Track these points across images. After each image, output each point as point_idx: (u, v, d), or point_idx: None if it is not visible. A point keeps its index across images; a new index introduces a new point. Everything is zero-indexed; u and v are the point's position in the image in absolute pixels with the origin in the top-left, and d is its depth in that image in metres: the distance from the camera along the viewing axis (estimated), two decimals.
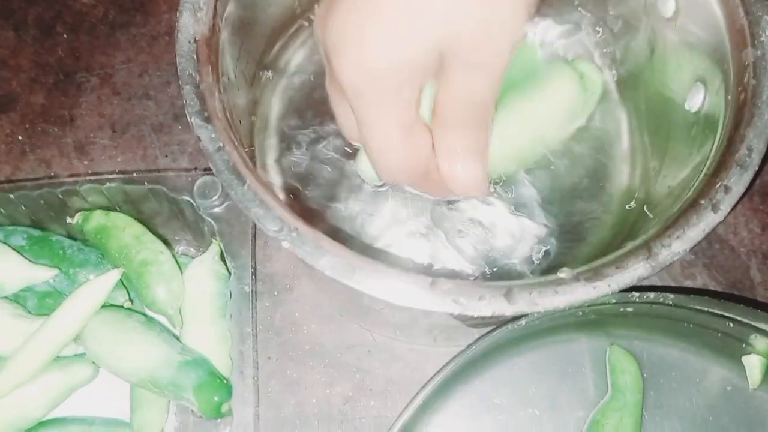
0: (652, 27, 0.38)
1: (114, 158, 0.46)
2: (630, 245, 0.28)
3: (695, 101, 0.34)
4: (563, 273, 0.27)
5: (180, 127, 0.47)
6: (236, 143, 0.30)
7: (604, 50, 0.42)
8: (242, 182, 0.29)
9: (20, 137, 0.47)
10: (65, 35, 0.50)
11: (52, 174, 0.46)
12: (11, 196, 0.38)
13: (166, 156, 0.46)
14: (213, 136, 0.29)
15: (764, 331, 0.34)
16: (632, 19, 0.39)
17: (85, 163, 0.46)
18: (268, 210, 0.28)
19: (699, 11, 0.34)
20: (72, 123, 0.47)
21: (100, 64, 0.49)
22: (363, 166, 0.34)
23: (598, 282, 0.27)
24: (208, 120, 0.30)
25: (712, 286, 0.42)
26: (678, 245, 0.27)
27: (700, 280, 0.42)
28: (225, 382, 0.35)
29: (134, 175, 0.38)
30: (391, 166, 0.30)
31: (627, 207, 0.39)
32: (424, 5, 0.27)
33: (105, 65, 0.49)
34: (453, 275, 0.38)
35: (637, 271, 0.27)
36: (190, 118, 0.29)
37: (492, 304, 0.27)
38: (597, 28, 0.42)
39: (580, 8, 0.42)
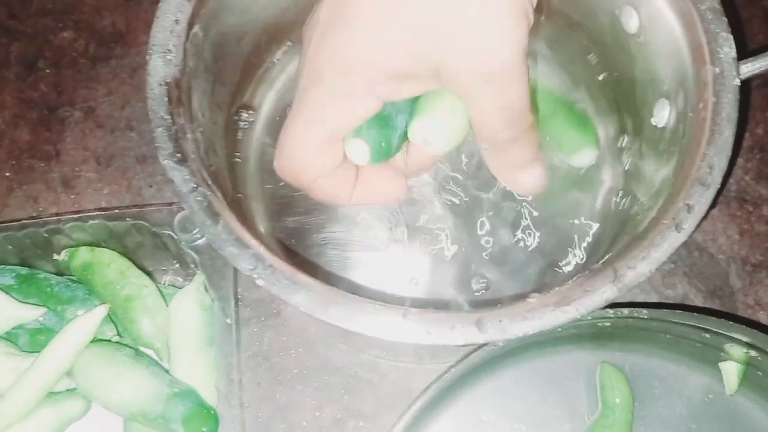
0: (618, 42, 0.38)
1: (100, 191, 0.47)
2: (596, 267, 0.29)
3: (661, 117, 0.35)
4: (532, 298, 0.28)
5: None
6: (210, 183, 0.31)
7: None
8: (216, 222, 0.29)
9: (7, 173, 0.48)
10: (47, 70, 0.50)
11: (40, 209, 0.47)
12: None
13: (151, 186, 0.47)
14: (186, 177, 0.30)
15: (739, 340, 0.35)
16: (599, 35, 0.40)
17: (72, 196, 0.47)
18: (242, 249, 0.29)
19: (660, 27, 0.34)
20: (58, 157, 0.48)
21: (82, 98, 0.50)
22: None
23: (566, 306, 0.28)
24: (180, 162, 0.30)
25: (693, 295, 0.43)
26: (643, 266, 0.28)
27: (680, 289, 0.43)
28: (212, 412, 0.35)
29: (116, 211, 0.38)
30: (286, 160, 0.30)
31: None
32: (407, 16, 0.27)
33: (88, 98, 0.50)
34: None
35: (604, 294, 0.28)
36: (163, 161, 0.30)
37: (464, 333, 0.27)
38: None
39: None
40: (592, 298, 0.28)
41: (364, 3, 0.27)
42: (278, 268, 0.29)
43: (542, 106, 0.42)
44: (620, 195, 0.39)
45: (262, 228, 0.42)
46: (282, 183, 0.41)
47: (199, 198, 0.30)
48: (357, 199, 0.32)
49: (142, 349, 0.39)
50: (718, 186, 0.29)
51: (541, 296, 0.28)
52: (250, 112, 0.43)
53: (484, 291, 0.40)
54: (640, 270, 0.28)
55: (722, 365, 0.38)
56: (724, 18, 0.32)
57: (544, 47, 0.44)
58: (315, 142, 0.29)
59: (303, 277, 0.29)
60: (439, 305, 0.40)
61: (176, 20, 0.33)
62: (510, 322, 0.27)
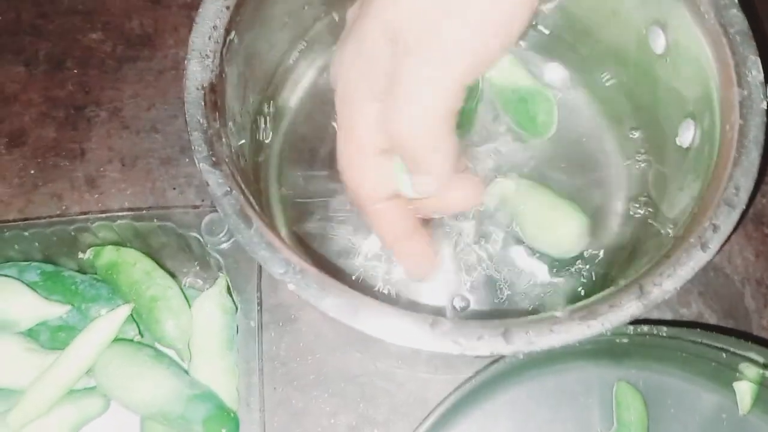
0: (644, 62, 0.39)
1: (123, 191, 0.47)
2: (622, 283, 0.29)
3: (686, 137, 0.35)
4: (558, 312, 0.28)
5: (187, 159, 0.48)
6: (243, 187, 0.31)
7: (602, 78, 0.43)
8: (249, 226, 0.30)
9: (32, 171, 0.48)
10: (75, 70, 0.51)
11: (64, 207, 0.47)
12: (25, 233, 0.39)
13: (174, 188, 0.48)
14: (220, 181, 0.31)
15: (755, 360, 0.35)
16: (624, 54, 0.40)
17: (96, 196, 0.47)
18: (274, 253, 0.29)
19: (688, 49, 0.35)
20: (83, 157, 0.49)
21: (109, 98, 0.50)
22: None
23: (591, 321, 0.28)
24: (215, 165, 0.31)
25: (707, 314, 0.43)
26: (669, 284, 0.29)
27: (695, 308, 0.43)
28: (232, 415, 0.36)
29: (144, 212, 0.39)
30: (345, 180, 0.32)
31: None
32: None
33: (114, 99, 0.50)
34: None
35: (629, 309, 0.28)
36: (199, 164, 0.31)
37: (490, 344, 0.28)
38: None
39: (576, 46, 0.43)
40: (617, 314, 0.28)
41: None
42: (308, 273, 0.29)
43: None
44: (638, 213, 0.39)
45: (282, 232, 0.42)
46: (301, 189, 0.42)
47: (232, 201, 0.30)
48: (395, 248, 0.34)
49: (162, 349, 0.40)
50: (744, 207, 0.30)
51: (567, 310, 0.28)
52: (272, 116, 0.43)
53: (464, 310, 0.41)
54: (666, 287, 0.28)
55: (736, 385, 0.38)
56: (753, 42, 0.32)
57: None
58: (361, 159, 0.30)
59: (332, 282, 0.29)
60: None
61: (214, 26, 0.33)
62: (536, 335, 0.28)
